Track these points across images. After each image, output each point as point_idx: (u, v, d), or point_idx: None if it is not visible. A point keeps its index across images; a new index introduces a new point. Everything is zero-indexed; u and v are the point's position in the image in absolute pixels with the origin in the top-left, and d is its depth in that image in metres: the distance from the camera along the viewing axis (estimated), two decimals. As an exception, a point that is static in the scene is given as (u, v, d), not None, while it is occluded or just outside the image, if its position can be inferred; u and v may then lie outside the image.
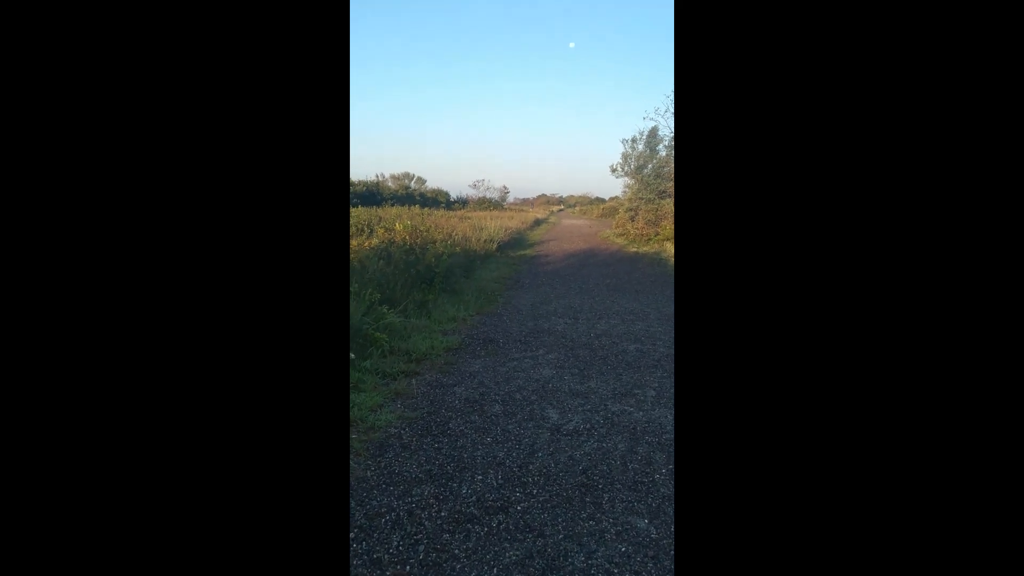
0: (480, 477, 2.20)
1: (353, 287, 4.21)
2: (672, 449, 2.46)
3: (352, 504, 1.99)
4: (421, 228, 7.81)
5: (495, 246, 10.59)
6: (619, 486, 2.14)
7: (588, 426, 2.71)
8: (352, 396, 2.91)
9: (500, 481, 2.17)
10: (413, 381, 3.29)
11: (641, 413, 2.88)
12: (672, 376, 3.47)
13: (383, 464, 2.29)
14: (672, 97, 21.36)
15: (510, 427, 2.69)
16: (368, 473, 2.21)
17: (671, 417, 2.82)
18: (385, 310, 4.16)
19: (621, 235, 14.82)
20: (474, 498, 2.05)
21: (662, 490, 2.12)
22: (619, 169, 16.90)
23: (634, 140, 16.18)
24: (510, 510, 1.98)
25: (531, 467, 2.28)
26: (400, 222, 6.82)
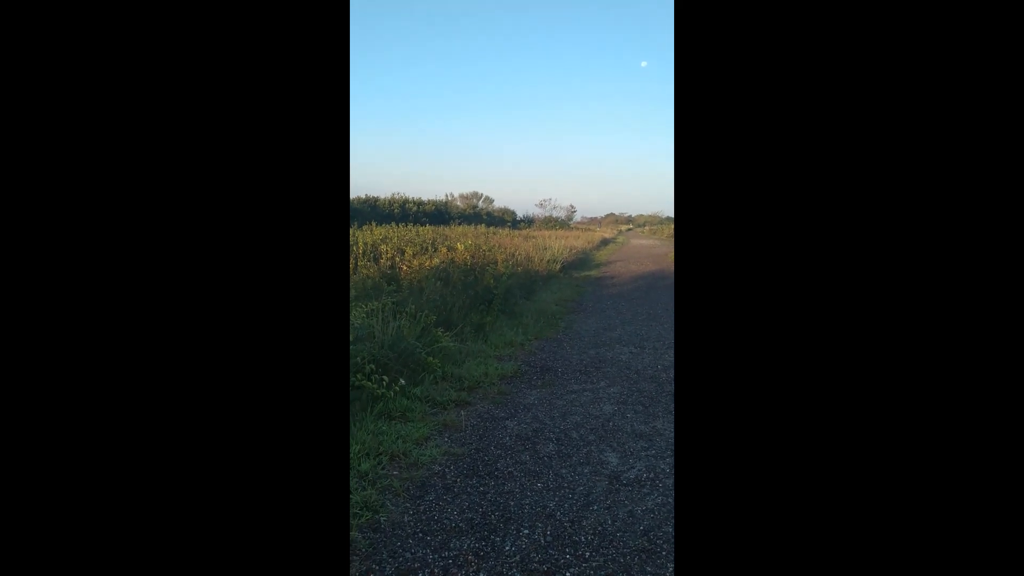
0: (527, 531, 1.97)
1: (409, 308, 4.14)
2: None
3: (384, 555, 1.82)
4: (484, 247, 7.74)
5: (559, 266, 10.36)
6: (687, 555, 1.84)
7: (652, 475, 2.41)
8: (399, 427, 2.78)
9: (548, 538, 1.93)
10: (463, 412, 3.11)
11: (714, 462, 2.54)
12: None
13: (422, 508, 2.11)
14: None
15: (563, 471, 2.44)
16: (405, 518, 2.04)
17: (749, 469, 2.47)
18: (440, 333, 4.04)
19: (692, 256, 14.14)
20: (518, 557, 1.82)
21: (739, 565, 1.80)
22: (691, 188, 16.24)
23: (707, 158, 15.53)
24: (558, 576, 1.73)
25: (585, 523, 2.02)
26: (462, 241, 6.76)
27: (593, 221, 55.21)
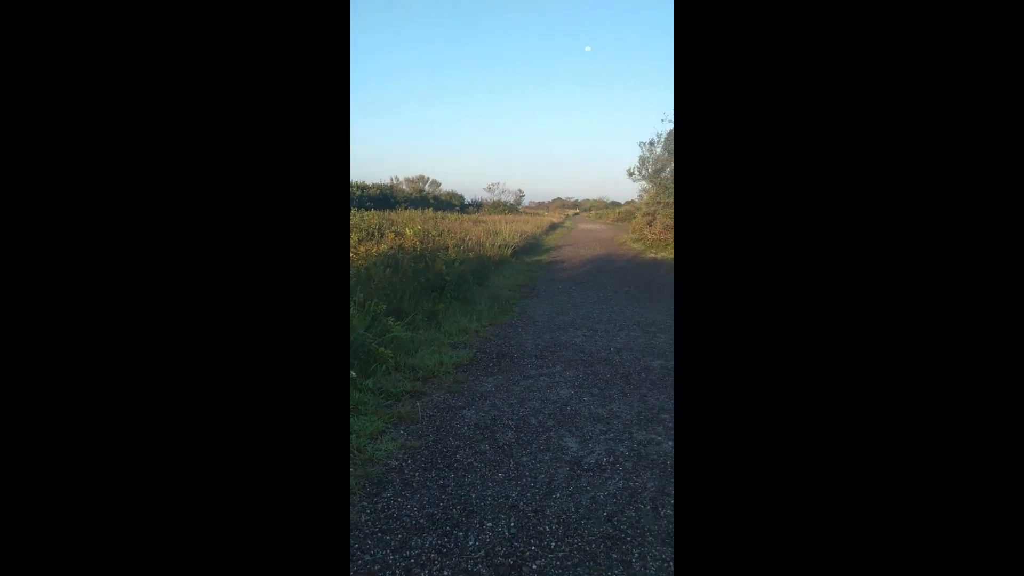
0: (490, 524, 1.92)
1: (358, 297, 3.97)
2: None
3: (341, 559, 1.72)
4: (433, 233, 7.57)
5: (510, 251, 10.32)
6: (651, 538, 1.85)
7: (612, 459, 2.41)
8: (352, 421, 2.66)
9: (513, 530, 1.88)
10: (419, 403, 3.02)
11: (671, 443, 2.58)
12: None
13: (380, 506, 2.02)
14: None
15: (524, 459, 2.40)
16: (363, 517, 1.94)
17: (705, 449, 2.52)
18: (391, 322, 3.90)
19: (638, 240, 14.46)
20: (482, 552, 1.77)
21: (701, 544, 1.82)
22: (636, 172, 16.56)
23: (651, 143, 15.84)
24: (524, 569, 1.69)
25: (548, 512, 1.99)
26: (410, 227, 6.57)
27: (541, 206, 55.50)
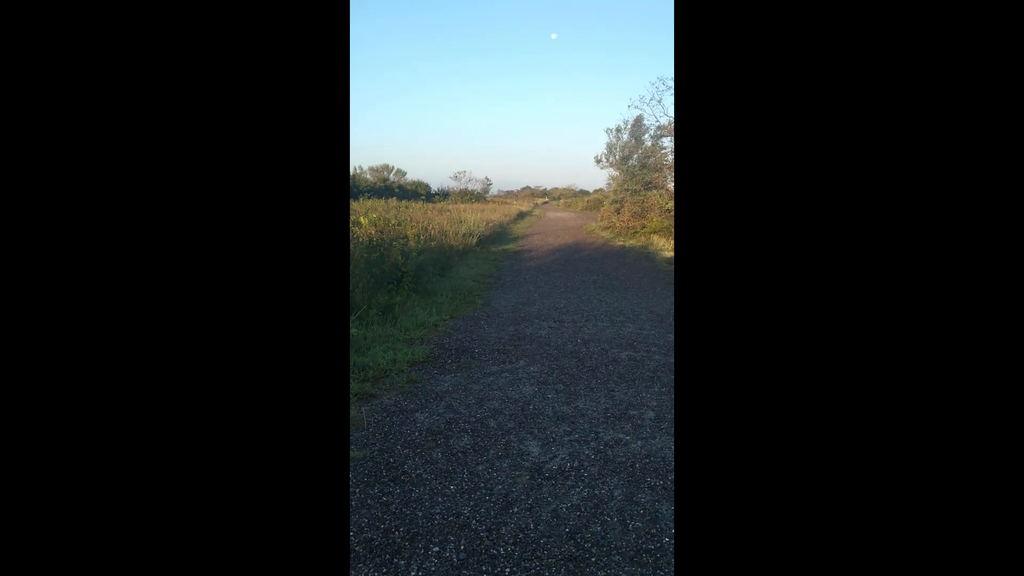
0: (436, 549, 1.68)
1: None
2: (681, 497, 1.97)
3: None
4: (393, 222, 7.24)
5: (475, 240, 10.04)
6: (618, 557, 1.64)
7: (576, 463, 2.20)
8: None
9: (462, 555, 1.65)
10: (365, 408, 2.75)
11: (639, 443, 2.39)
12: (671, 393, 2.99)
13: (310, 533, 1.75)
14: (656, 84, 20.92)
15: (480, 468, 2.17)
16: (288, 547, 1.68)
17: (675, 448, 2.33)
18: (341, 318, 3.60)
19: (607, 228, 14.36)
20: (425, 585, 1.53)
21: (674, 562, 1.62)
22: (604, 159, 16.43)
23: (618, 129, 15.71)
24: (473, 604, 1.46)
25: (504, 530, 1.77)
26: (366, 216, 6.23)
27: (509, 194, 55.14)
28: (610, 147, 16.01)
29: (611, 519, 1.83)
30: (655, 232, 11.49)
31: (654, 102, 29.11)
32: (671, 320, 4.67)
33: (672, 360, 3.55)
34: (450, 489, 2.02)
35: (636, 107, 26.82)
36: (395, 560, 1.63)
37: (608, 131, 15.90)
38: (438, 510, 1.88)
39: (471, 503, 1.93)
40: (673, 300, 5.51)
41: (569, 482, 2.07)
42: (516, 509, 1.89)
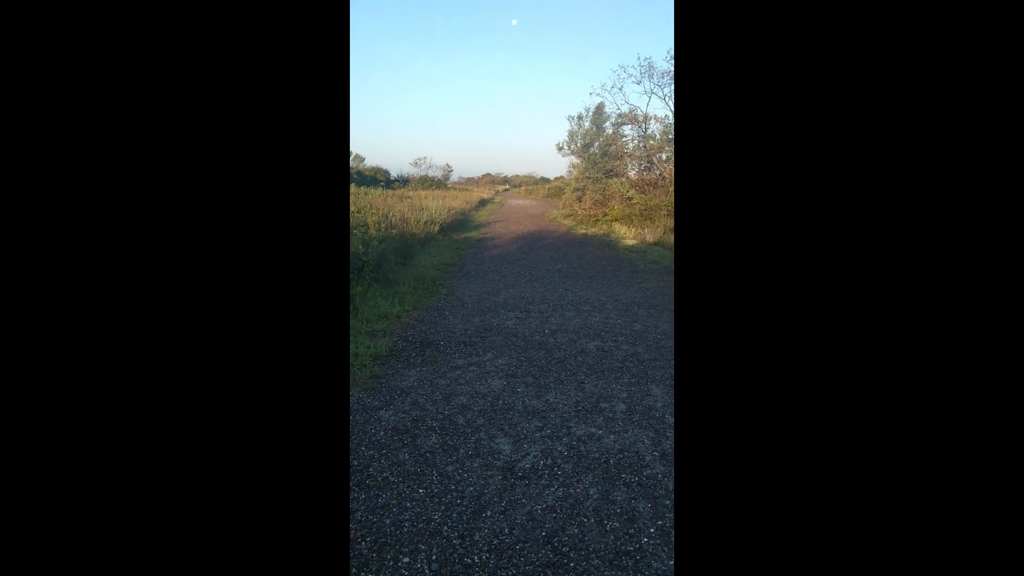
0: (406, 560, 1.58)
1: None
2: (656, 493, 1.93)
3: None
4: (352, 209, 6.98)
5: (437, 228, 9.84)
6: (597, 561, 1.59)
7: (549, 461, 2.14)
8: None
9: (433, 566, 1.56)
10: (326, 406, 2.61)
11: (612, 437, 2.34)
12: (640, 383, 2.97)
13: (267, 548, 1.62)
14: (617, 72, 21.04)
15: (449, 469, 2.08)
16: (243, 565, 1.55)
17: (648, 441, 2.30)
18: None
19: (568, 216, 14.36)
20: (395, 601, 1.43)
21: (654, 564, 1.58)
22: (565, 147, 16.41)
23: (580, 117, 15.69)
24: (447, 620, 1.37)
25: (477, 536, 1.69)
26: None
27: (470, 181, 54.63)
28: (572, 135, 15.99)
29: (588, 520, 1.77)
30: (616, 220, 11.55)
31: (615, 90, 29.27)
32: (636, 309, 4.67)
33: (639, 350, 3.54)
34: (419, 493, 1.92)
35: (597, 95, 26.86)
36: (361, 574, 1.52)
37: (570, 118, 15.89)
38: (407, 516, 1.78)
39: (442, 507, 1.83)
40: (636, 289, 5.53)
41: (543, 481, 2.00)
42: (489, 513, 1.81)
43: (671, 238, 9.08)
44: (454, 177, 43.32)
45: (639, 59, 28.49)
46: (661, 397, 2.78)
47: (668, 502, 1.87)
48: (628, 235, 10.06)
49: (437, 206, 12.18)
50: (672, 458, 2.16)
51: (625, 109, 14.24)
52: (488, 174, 63.84)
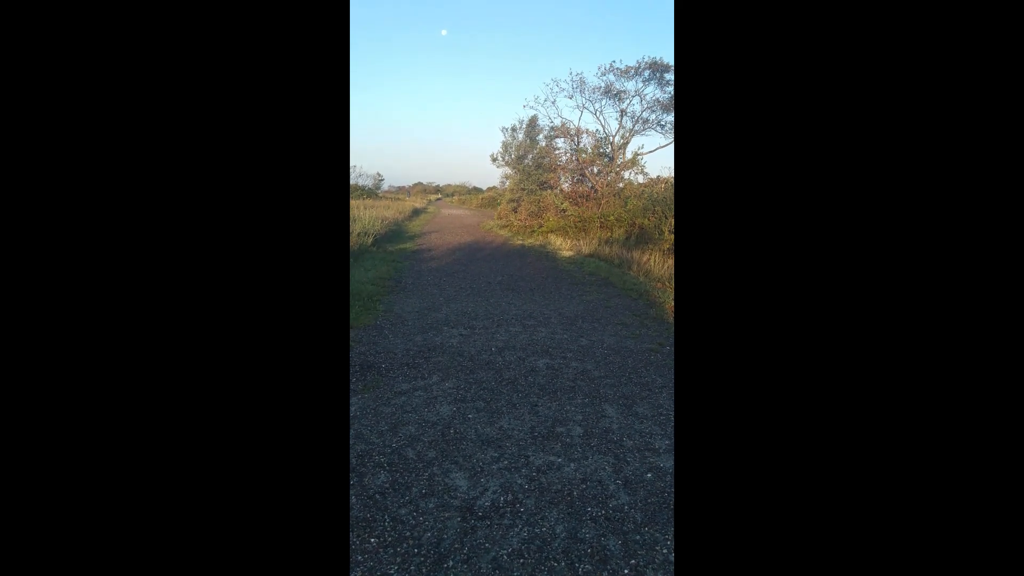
0: (360, 630, 1.39)
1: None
2: (625, 527, 1.85)
3: None
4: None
5: (371, 240, 9.47)
6: (572, 612, 1.46)
7: (510, 497, 2.00)
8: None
9: (393, 634, 1.38)
10: (257, 445, 2.33)
11: (572, 465, 2.24)
12: (594, 403, 2.90)
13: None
14: (551, 86, 21.43)
15: (402, 512, 1.89)
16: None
17: (609, 468, 2.22)
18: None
19: (504, 227, 14.35)
20: None
21: (632, 610, 1.48)
22: (499, 158, 16.43)
23: (514, 129, 15.77)
24: None
25: (440, 593, 1.52)
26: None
27: (402, 190, 53.70)
28: (505, 146, 16.04)
29: (558, 564, 1.65)
30: (552, 231, 11.65)
31: (548, 103, 29.82)
32: (580, 323, 4.65)
33: (588, 366, 3.49)
34: (370, 543, 1.72)
35: (531, 107, 27.22)
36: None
37: (504, 130, 15.95)
38: (358, 573, 1.58)
39: (397, 559, 1.65)
40: (578, 301, 5.53)
41: (506, 521, 1.86)
42: (451, 562, 1.64)
43: (606, 250, 9.24)
44: (384, 186, 42.39)
45: (571, 74, 29.14)
46: (616, 418, 2.72)
47: (638, 537, 1.78)
48: (564, 246, 10.15)
49: (370, 216, 11.76)
50: (636, 487, 2.09)
51: (558, 122, 14.45)
52: (419, 183, 63.11)
